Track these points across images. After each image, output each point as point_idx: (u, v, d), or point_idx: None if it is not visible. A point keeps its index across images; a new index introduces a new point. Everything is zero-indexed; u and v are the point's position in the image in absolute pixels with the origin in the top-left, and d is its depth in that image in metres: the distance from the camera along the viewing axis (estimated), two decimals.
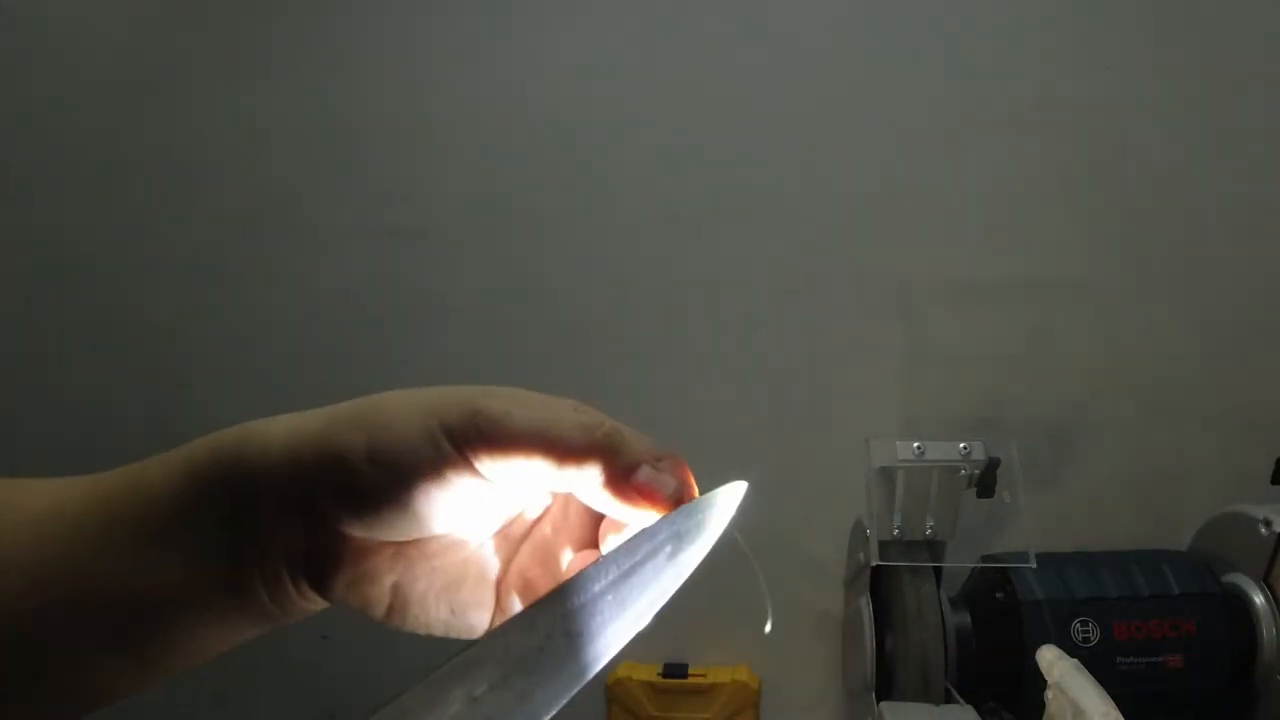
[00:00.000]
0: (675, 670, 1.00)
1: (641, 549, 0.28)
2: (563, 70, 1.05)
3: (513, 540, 0.33)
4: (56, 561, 0.28)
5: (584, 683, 0.27)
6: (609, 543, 0.31)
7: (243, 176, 1.10)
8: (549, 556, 0.32)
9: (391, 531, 0.28)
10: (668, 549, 0.29)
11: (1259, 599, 0.78)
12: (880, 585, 0.83)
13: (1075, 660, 0.59)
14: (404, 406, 0.28)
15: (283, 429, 0.28)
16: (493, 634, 0.26)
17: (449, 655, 0.25)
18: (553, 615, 0.26)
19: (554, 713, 0.27)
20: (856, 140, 1.02)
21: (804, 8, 1.02)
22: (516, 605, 0.32)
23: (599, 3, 1.04)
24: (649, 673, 1.00)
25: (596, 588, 0.27)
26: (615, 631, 0.28)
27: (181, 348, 1.12)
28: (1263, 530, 0.78)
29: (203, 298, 1.12)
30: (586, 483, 0.28)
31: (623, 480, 0.28)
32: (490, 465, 0.27)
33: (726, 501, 0.30)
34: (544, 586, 0.32)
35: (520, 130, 1.06)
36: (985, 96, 1.00)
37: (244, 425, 0.29)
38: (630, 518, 0.29)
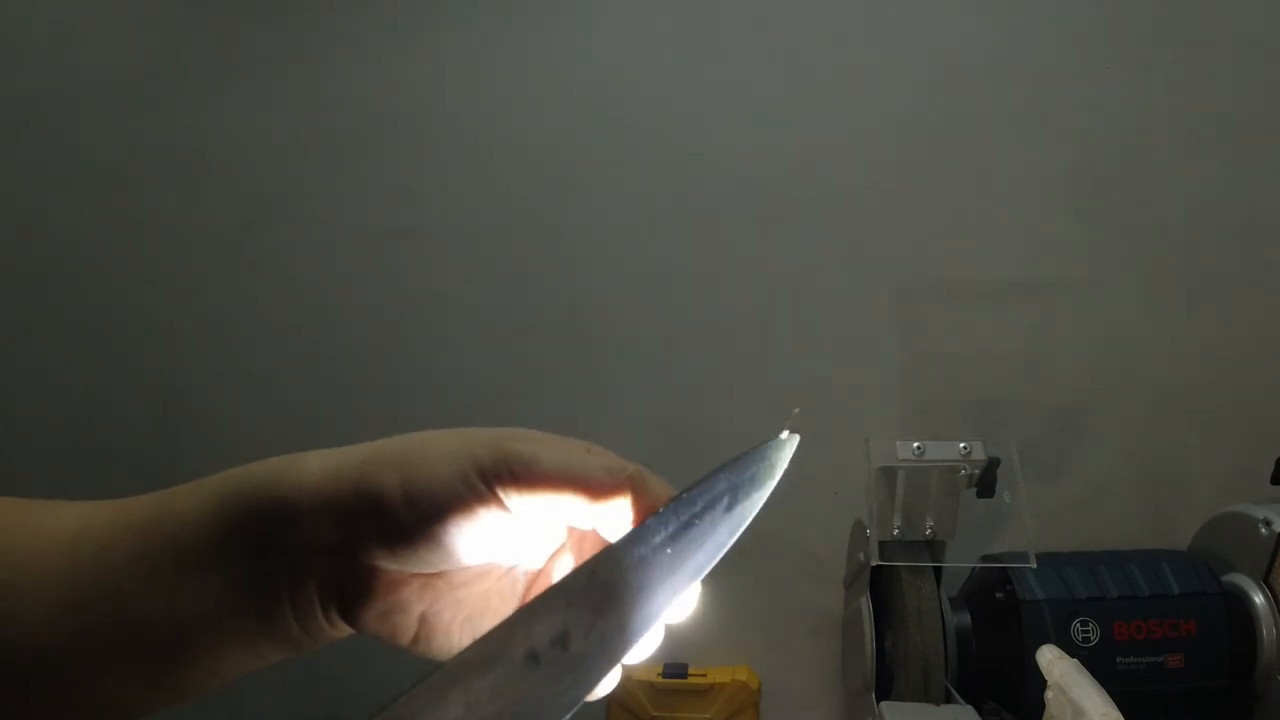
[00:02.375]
0: (675, 670, 1.00)
1: (700, 502, 0.29)
2: (568, 73, 1.05)
3: (531, 572, 0.34)
4: (87, 585, 0.28)
5: (641, 639, 0.28)
6: None
7: (249, 177, 1.10)
8: None
9: (423, 564, 0.29)
10: (725, 501, 0.29)
11: (1259, 599, 0.78)
12: (880, 585, 0.83)
13: (1075, 660, 0.59)
14: (437, 447, 0.29)
15: (317, 467, 0.29)
16: (554, 589, 0.26)
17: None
18: (613, 568, 0.27)
19: (612, 670, 0.27)
20: (857, 141, 1.02)
21: (805, 10, 1.02)
22: None
23: (604, 6, 1.04)
24: (649, 673, 1.00)
25: (657, 539, 0.28)
26: (674, 585, 0.28)
27: (183, 348, 1.12)
28: (1263, 530, 0.78)
29: (205, 298, 1.12)
30: (615, 519, 0.29)
31: (648, 516, 0.29)
32: (519, 502, 0.29)
33: (780, 454, 0.31)
34: None
35: (526, 132, 1.06)
36: (986, 96, 1.00)
37: (276, 460, 0.30)
38: None
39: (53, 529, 0.30)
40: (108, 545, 0.29)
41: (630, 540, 0.28)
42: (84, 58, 1.11)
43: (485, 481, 0.28)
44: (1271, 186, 0.98)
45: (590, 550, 0.33)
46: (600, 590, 0.27)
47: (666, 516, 0.28)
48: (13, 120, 1.13)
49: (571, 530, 0.33)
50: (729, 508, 0.29)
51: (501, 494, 0.28)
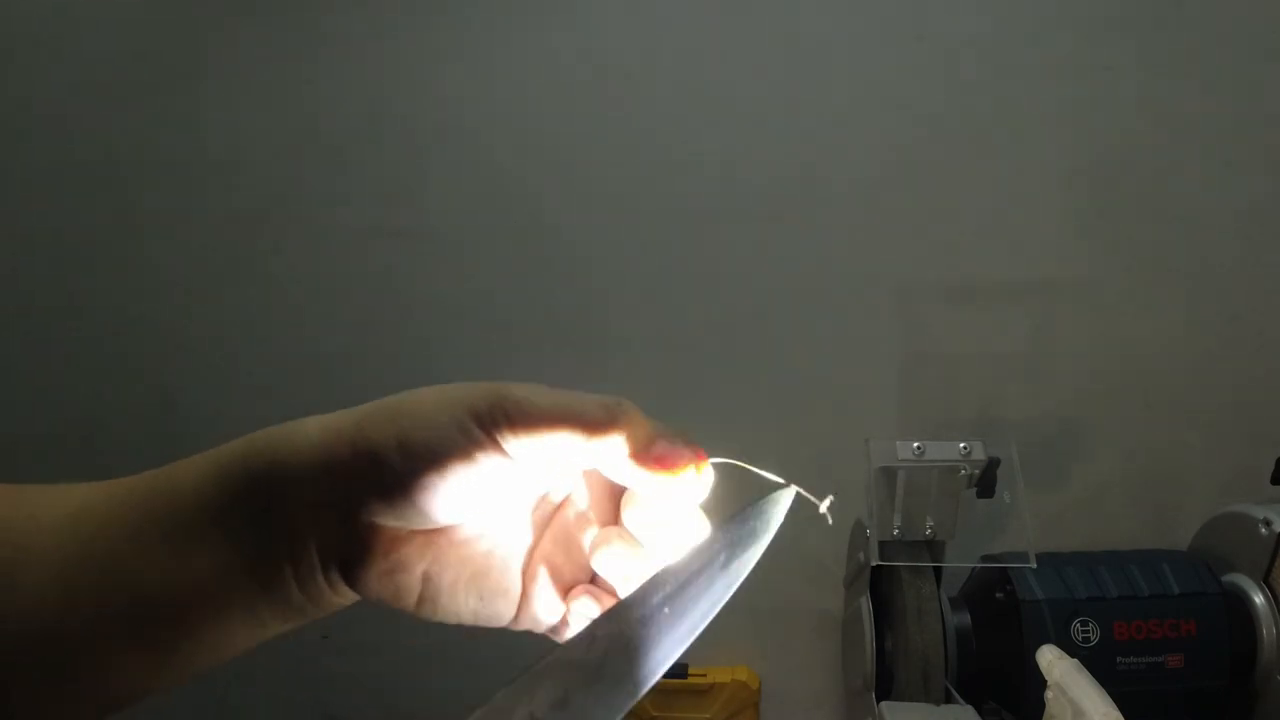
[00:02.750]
0: (675, 670, 0.99)
1: (699, 560, 0.29)
2: (568, 73, 1.05)
3: (535, 528, 0.34)
4: (86, 564, 0.28)
5: (641, 695, 0.28)
6: (628, 517, 0.32)
7: (248, 177, 1.10)
8: (570, 542, 0.33)
9: (423, 518, 0.29)
10: (722, 558, 0.30)
11: (1259, 599, 0.78)
12: (880, 585, 0.83)
13: (1075, 660, 0.59)
14: (432, 399, 0.29)
15: (314, 428, 0.29)
16: (555, 651, 0.27)
17: (513, 674, 0.26)
18: (613, 630, 0.28)
19: None
20: (856, 140, 1.02)
21: (805, 10, 1.02)
22: (541, 590, 0.33)
23: (604, 6, 1.04)
24: None
25: (656, 599, 0.28)
26: (672, 642, 0.29)
27: (182, 349, 1.12)
28: (1263, 530, 0.78)
29: (204, 299, 1.12)
30: (612, 453, 0.29)
31: (645, 450, 0.29)
32: (516, 444, 0.29)
33: (777, 509, 0.32)
34: (567, 571, 0.33)
35: (526, 132, 1.06)
36: (985, 96, 1.00)
37: (274, 428, 0.30)
38: (650, 487, 0.30)
39: (55, 511, 0.30)
40: (107, 521, 0.29)
41: (630, 603, 0.28)
42: (83, 57, 1.11)
43: (482, 427, 0.28)
44: (1271, 186, 0.98)
45: (595, 498, 0.33)
46: (601, 653, 0.27)
47: (665, 578, 0.29)
48: (13, 120, 1.13)
49: (573, 482, 0.34)
50: (726, 564, 0.30)
51: (499, 438, 0.29)
